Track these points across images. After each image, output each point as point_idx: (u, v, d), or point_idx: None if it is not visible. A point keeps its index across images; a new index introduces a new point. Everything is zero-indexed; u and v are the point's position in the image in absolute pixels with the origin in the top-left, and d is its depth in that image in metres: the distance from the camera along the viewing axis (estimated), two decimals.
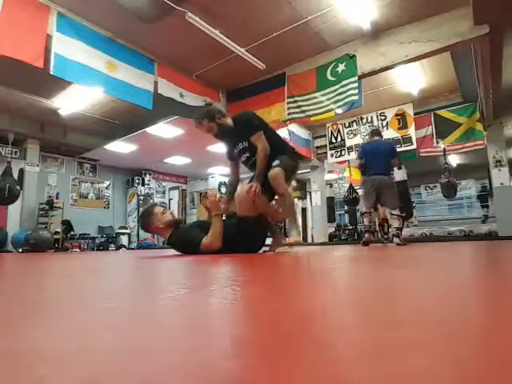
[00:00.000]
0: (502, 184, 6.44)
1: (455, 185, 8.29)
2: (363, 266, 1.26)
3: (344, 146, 7.59)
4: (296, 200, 12.32)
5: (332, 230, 10.87)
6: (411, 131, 6.67)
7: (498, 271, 0.94)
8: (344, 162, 8.31)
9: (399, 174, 8.09)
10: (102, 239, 9.36)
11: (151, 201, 10.76)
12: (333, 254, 2.23)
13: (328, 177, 10.77)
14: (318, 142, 8.49)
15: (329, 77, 5.09)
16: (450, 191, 8.29)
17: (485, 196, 11.05)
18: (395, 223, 3.98)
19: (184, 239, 2.37)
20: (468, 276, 0.85)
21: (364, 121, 7.31)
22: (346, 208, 11.19)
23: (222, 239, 2.26)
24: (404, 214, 4.37)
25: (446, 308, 0.42)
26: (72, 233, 8.43)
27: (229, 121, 2.61)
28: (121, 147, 8.47)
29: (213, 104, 2.92)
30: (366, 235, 4.19)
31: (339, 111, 6.21)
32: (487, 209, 11.10)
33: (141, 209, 9.68)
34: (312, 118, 5.90)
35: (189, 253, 2.34)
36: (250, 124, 2.54)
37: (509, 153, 7.04)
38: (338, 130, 7.70)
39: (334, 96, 5.00)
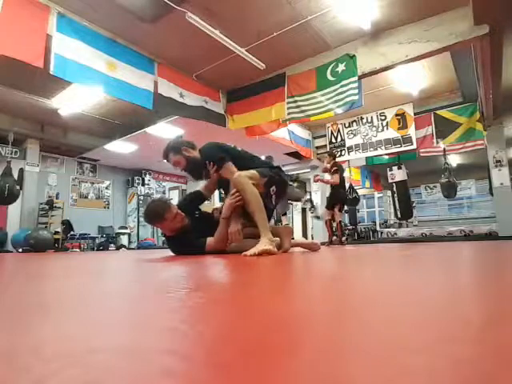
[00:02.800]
0: (502, 184, 6.44)
1: (455, 185, 8.30)
2: (362, 265, 1.26)
3: (344, 146, 7.59)
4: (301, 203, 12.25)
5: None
6: (411, 131, 6.67)
7: (497, 271, 0.94)
8: (344, 161, 8.31)
9: (399, 174, 8.11)
10: (102, 239, 9.36)
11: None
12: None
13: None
14: (318, 142, 8.49)
15: (329, 77, 5.09)
16: (449, 191, 8.30)
17: None
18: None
19: (186, 246, 2.35)
20: (468, 276, 0.85)
21: (364, 121, 7.31)
22: (345, 208, 11.18)
23: (226, 239, 2.27)
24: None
25: (446, 308, 0.42)
26: (72, 233, 8.43)
27: (197, 154, 2.39)
28: (121, 147, 8.48)
29: (182, 137, 2.73)
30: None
31: (339, 111, 6.22)
32: None
33: (141, 209, 9.69)
34: (312, 118, 5.90)
35: (189, 254, 2.33)
36: (213, 158, 2.28)
37: (509, 153, 7.04)
38: (338, 130, 7.71)
39: (334, 96, 5.00)
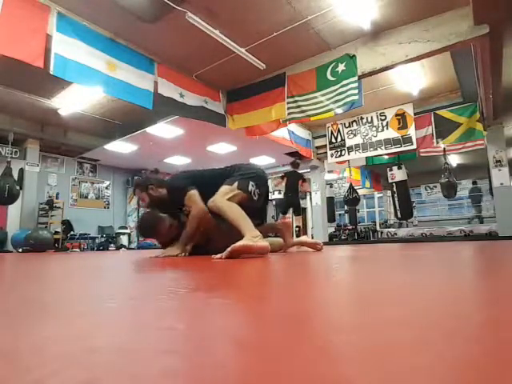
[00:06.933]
0: (501, 184, 6.43)
1: (455, 185, 8.29)
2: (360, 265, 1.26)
3: (344, 145, 7.58)
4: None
5: (332, 229, 10.87)
6: (411, 131, 6.67)
7: (497, 270, 0.94)
8: (344, 161, 8.31)
9: (399, 174, 8.10)
10: (102, 239, 9.36)
11: None
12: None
13: (328, 177, 10.77)
14: (318, 142, 8.49)
15: (329, 77, 5.09)
16: (449, 191, 8.30)
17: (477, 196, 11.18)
18: None
19: None
20: (468, 276, 0.85)
21: (364, 121, 7.31)
22: (345, 208, 11.19)
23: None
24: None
25: (446, 308, 0.42)
26: (72, 233, 8.43)
27: (164, 192, 2.40)
28: (121, 147, 8.48)
29: (158, 172, 2.61)
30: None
31: (339, 111, 6.22)
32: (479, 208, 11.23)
33: (141, 209, 9.69)
34: (312, 118, 5.90)
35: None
36: (177, 189, 2.29)
37: (509, 153, 7.04)
38: (338, 130, 7.70)
39: (334, 96, 5.00)
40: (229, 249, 1.71)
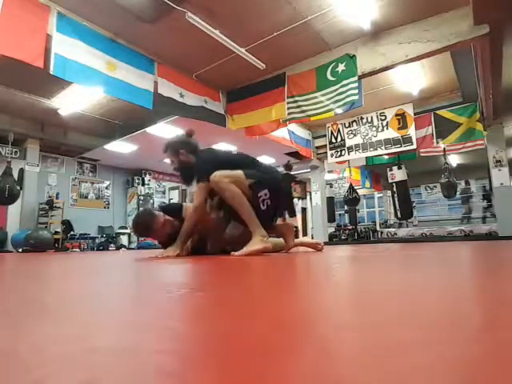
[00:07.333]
0: (501, 184, 6.44)
1: (455, 185, 8.30)
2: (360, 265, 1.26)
3: (344, 145, 7.59)
4: (296, 200, 12.29)
5: (332, 229, 10.88)
6: (411, 131, 6.67)
7: (497, 270, 0.94)
8: (344, 161, 8.31)
9: (399, 174, 8.11)
10: (102, 239, 9.36)
11: (151, 201, 10.77)
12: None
13: (328, 177, 10.78)
14: (318, 142, 8.50)
15: (329, 77, 5.09)
16: (450, 191, 8.31)
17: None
18: None
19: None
20: (468, 276, 0.85)
21: (364, 121, 7.31)
22: (346, 208, 11.20)
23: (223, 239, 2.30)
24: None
25: (446, 308, 0.42)
26: (72, 233, 8.44)
27: (194, 159, 2.35)
28: (121, 147, 8.48)
29: (193, 135, 2.51)
30: None
31: (339, 111, 6.22)
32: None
33: (141, 209, 9.70)
34: (312, 118, 5.91)
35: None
36: (196, 171, 2.25)
37: (509, 153, 7.04)
38: (338, 130, 7.70)
39: (334, 96, 5.00)
40: (244, 252, 1.86)
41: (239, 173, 2.07)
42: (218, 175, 2.03)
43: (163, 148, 2.44)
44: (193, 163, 2.32)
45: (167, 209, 2.51)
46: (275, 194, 2.15)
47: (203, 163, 2.24)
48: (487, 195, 10.97)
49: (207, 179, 2.09)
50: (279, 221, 2.45)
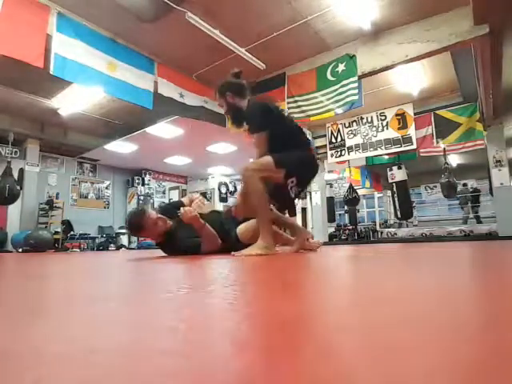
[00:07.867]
0: (502, 184, 6.43)
1: (455, 185, 8.30)
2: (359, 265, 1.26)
3: (344, 145, 7.59)
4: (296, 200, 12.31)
5: (332, 229, 10.87)
6: (411, 131, 6.67)
7: (498, 270, 0.94)
8: (344, 161, 8.31)
9: (399, 174, 8.11)
10: (102, 239, 9.36)
11: (151, 201, 10.77)
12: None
13: (328, 177, 10.77)
14: (318, 142, 8.49)
15: (329, 77, 5.09)
16: (450, 191, 8.30)
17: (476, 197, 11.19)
18: None
19: (181, 249, 2.34)
20: (468, 276, 0.85)
21: (364, 121, 7.31)
22: (345, 208, 11.19)
23: (216, 240, 2.30)
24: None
25: (446, 308, 0.42)
26: (72, 233, 8.44)
27: (243, 103, 2.26)
28: (121, 147, 8.48)
29: (240, 76, 2.43)
30: None
31: (339, 111, 6.22)
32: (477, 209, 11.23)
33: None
34: (312, 118, 5.90)
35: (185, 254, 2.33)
36: (251, 121, 2.17)
37: (509, 153, 7.04)
38: (338, 130, 7.70)
39: (334, 96, 5.00)
40: (244, 253, 1.87)
41: (269, 162, 2.01)
42: (249, 169, 2.00)
43: (214, 90, 2.39)
44: (240, 106, 2.25)
45: (165, 208, 2.51)
46: (301, 180, 2.16)
47: (257, 116, 2.15)
48: (476, 196, 11.04)
49: (263, 129, 2.06)
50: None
